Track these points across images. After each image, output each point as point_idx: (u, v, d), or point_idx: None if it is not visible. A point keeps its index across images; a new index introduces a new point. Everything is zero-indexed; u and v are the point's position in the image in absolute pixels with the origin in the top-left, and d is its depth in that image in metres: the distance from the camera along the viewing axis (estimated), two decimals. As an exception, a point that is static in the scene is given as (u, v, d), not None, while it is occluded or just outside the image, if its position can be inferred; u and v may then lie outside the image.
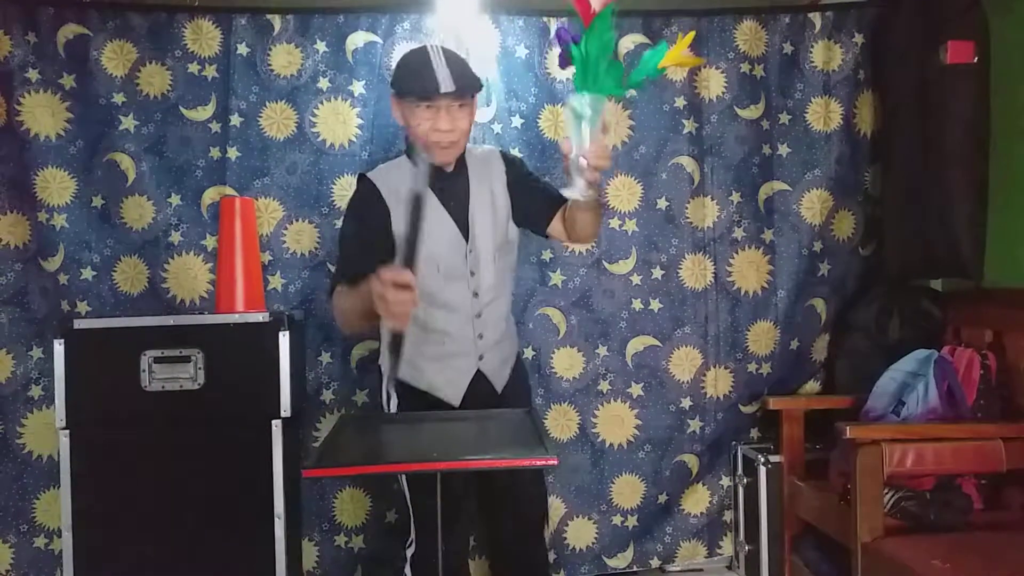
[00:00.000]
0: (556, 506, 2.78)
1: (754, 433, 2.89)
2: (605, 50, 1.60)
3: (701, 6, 2.85)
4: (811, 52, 2.80)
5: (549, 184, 2.15)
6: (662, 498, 2.83)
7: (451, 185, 1.99)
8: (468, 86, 1.90)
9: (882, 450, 2.08)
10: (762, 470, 2.68)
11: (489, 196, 2.03)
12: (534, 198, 2.06)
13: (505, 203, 2.05)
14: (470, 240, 2.00)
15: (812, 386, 2.90)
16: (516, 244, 2.14)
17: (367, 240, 1.92)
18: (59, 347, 2.20)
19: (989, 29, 2.42)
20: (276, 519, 2.22)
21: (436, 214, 1.94)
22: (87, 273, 2.63)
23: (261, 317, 2.28)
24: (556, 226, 2.04)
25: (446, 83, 1.84)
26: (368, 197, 1.98)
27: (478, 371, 2.06)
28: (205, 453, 2.24)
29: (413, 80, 1.88)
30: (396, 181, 1.96)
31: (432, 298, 1.96)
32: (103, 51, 2.63)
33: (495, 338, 2.08)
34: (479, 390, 2.07)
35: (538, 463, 1.46)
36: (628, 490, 2.81)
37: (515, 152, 2.64)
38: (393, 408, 2.13)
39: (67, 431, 2.20)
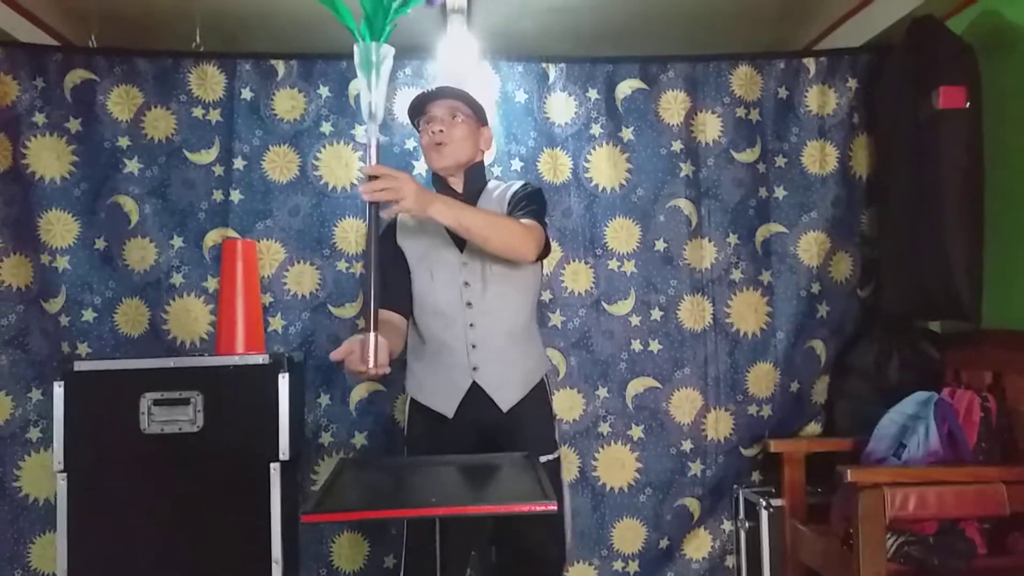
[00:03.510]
0: (556, 550, 2.75)
1: (755, 476, 2.87)
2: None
3: (697, 52, 2.90)
4: (806, 96, 2.84)
5: (527, 208, 2.06)
6: (663, 543, 2.81)
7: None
8: (451, 92, 2.10)
9: (884, 494, 2.07)
10: (764, 514, 2.66)
11: None
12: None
13: None
14: (465, 252, 2.06)
15: (813, 428, 2.88)
16: (531, 270, 2.12)
17: (386, 275, 2.02)
18: (59, 389, 2.20)
19: (980, 74, 2.46)
20: (274, 563, 2.20)
21: (435, 228, 2.02)
22: (88, 315, 2.64)
23: (261, 359, 2.27)
24: None
25: (430, 91, 2.11)
26: (386, 231, 2.15)
27: (474, 384, 2.04)
28: (203, 496, 2.22)
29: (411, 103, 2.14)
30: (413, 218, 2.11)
31: (426, 306, 2.08)
32: (109, 96, 2.68)
33: (494, 352, 2.05)
34: (479, 406, 2.04)
35: (537, 508, 1.44)
36: (629, 535, 2.79)
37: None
38: (405, 429, 2.21)
39: (65, 474, 2.18)
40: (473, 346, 2.05)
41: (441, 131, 2.04)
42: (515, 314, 2.10)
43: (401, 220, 2.15)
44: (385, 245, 2.11)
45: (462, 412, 2.05)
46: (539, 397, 2.14)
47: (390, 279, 2.06)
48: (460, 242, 2.06)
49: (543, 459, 2.01)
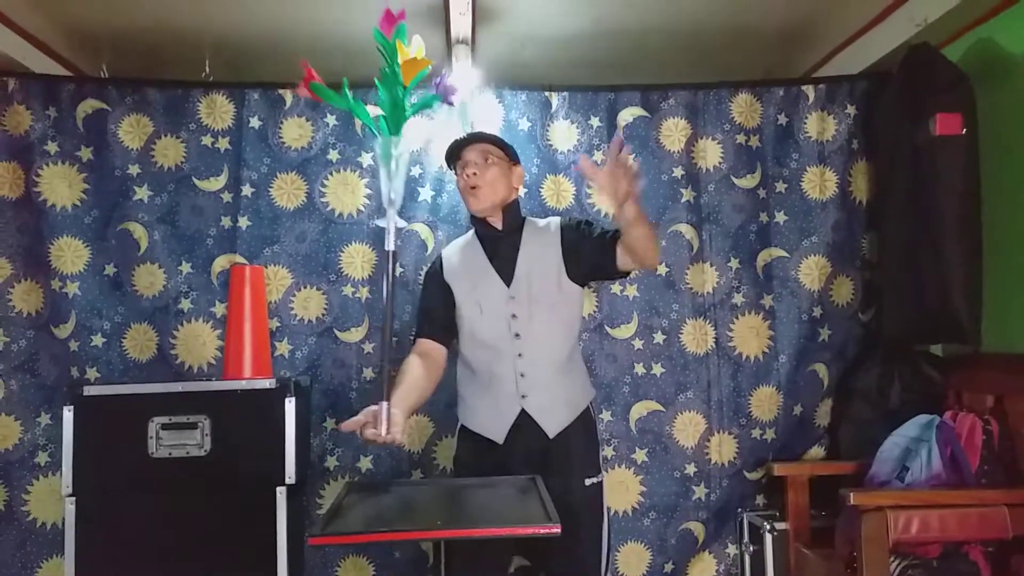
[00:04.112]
0: None
1: (760, 500, 2.87)
2: (397, 101, 1.85)
3: (697, 80, 2.94)
4: (805, 123, 2.88)
5: (602, 225, 2.25)
6: (668, 567, 2.80)
7: (501, 243, 2.22)
8: (482, 137, 2.23)
9: (887, 517, 2.08)
10: (768, 537, 2.66)
11: (539, 253, 2.20)
12: (592, 243, 2.18)
13: (556, 262, 2.19)
14: (512, 286, 2.17)
15: (816, 451, 2.89)
16: (576, 301, 2.23)
17: (427, 308, 2.28)
18: (68, 414, 2.22)
19: (976, 101, 2.50)
20: (279, 587, 2.21)
21: (481, 264, 2.21)
22: (97, 340, 2.67)
23: (268, 383, 2.30)
24: (622, 258, 2.12)
25: (463, 137, 2.24)
26: (433, 269, 2.32)
27: (523, 411, 2.13)
28: (209, 520, 2.24)
29: (447, 149, 2.27)
30: (458, 255, 2.27)
31: (475, 338, 2.19)
32: (120, 125, 2.73)
33: (542, 380, 2.15)
34: (527, 431, 2.13)
35: (541, 531, 1.47)
36: (634, 559, 2.79)
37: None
38: (452, 454, 2.34)
39: (73, 498, 2.20)
40: (522, 375, 2.14)
41: (475, 174, 2.16)
42: (561, 344, 2.20)
43: (447, 259, 2.29)
44: (433, 281, 2.29)
45: (511, 438, 2.14)
46: (585, 423, 2.22)
47: (435, 312, 2.24)
48: (506, 277, 2.18)
49: (587, 482, 2.13)
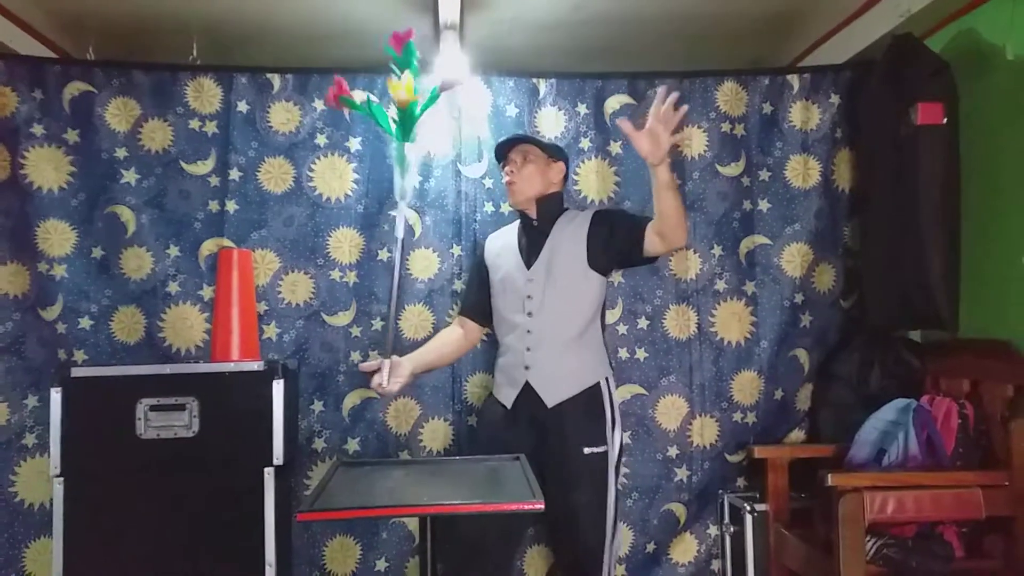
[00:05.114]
0: (545, 554, 2.80)
1: (740, 482, 2.92)
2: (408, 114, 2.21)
3: (684, 68, 2.96)
4: (790, 112, 2.91)
5: (634, 214, 2.46)
6: (650, 547, 2.85)
7: (534, 231, 2.45)
8: (523, 138, 2.48)
9: (863, 497, 2.13)
10: (748, 519, 2.71)
11: (565, 240, 2.38)
12: (619, 230, 2.35)
13: (580, 250, 2.36)
14: (531, 269, 2.38)
15: (797, 435, 2.94)
16: (594, 287, 2.38)
17: (469, 289, 2.60)
18: (56, 395, 2.23)
19: (958, 91, 2.54)
20: (267, 566, 2.24)
21: (512, 249, 2.46)
22: (85, 322, 2.68)
23: (256, 366, 2.32)
24: (651, 240, 2.26)
25: (506, 139, 2.49)
26: (478, 252, 2.63)
27: (527, 382, 2.35)
28: (198, 501, 2.26)
29: (495, 150, 2.52)
30: (498, 240, 2.54)
31: (502, 315, 2.45)
32: (107, 107, 2.72)
33: (545, 355, 2.34)
34: (529, 400, 2.35)
35: (525, 507, 1.50)
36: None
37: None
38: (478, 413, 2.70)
39: (61, 479, 2.22)
40: (528, 349, 2.36)
41: (511, 171, 2.42)
42: (568, 324, 2.35)
43: (488, 243, 2.57)
44: (476, 263, 2.60)
45: (517, 404, 2.37)
46: (589, 398, 2.35)
47: (475, 293, 2.55)
48: (528, 261, 2.40)
49: (585, 451, 2.30)
